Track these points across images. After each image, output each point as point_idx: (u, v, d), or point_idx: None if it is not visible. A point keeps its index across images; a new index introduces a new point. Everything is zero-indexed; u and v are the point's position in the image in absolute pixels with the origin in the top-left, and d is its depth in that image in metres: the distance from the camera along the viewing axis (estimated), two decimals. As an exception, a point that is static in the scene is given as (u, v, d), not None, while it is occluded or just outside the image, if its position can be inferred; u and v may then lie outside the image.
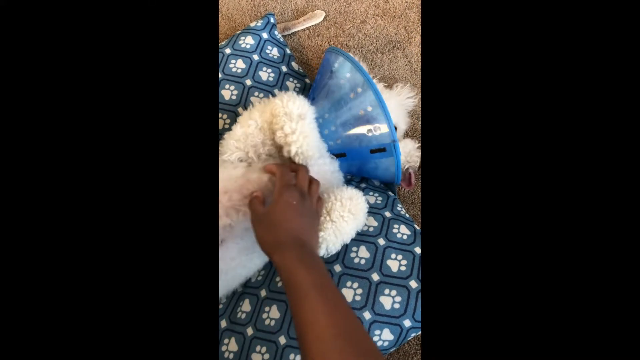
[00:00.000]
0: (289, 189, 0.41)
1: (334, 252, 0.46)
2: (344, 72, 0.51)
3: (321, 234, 0.44)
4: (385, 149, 0.49)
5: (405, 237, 0.49)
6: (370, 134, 0.49)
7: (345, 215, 0.45)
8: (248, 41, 0.65)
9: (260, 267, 0.51)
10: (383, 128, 0.48)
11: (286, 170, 0.44)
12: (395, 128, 0.50)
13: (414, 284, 0.45)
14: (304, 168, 0.46)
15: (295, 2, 0.82)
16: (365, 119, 0.49)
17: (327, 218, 0.45)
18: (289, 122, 0.44)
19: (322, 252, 0.45)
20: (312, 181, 0.45)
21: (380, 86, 0.62)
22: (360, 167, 0.53)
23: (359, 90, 0.49)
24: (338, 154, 0.52)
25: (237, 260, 0.47)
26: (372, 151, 0.50)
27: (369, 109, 0.49)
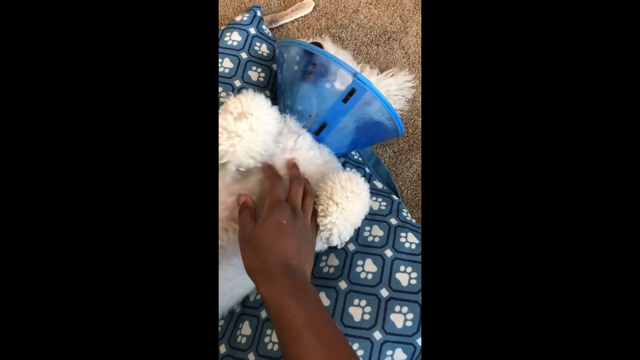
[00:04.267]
0: (279, 205, 0.37)
1: (347, 238, 0.43)
2: (279, 54, 0.48)
3: (328, 219, 0.40)
4: (354, 88, 0.44)
5: (413, 246, 0.47)
6: (330, 86, 0.45)
7: (349, 196, 0.41)
8: (235, 38, 0.60)
9: None
10: (338, 72, 0.44)
11: (277, 182, 0.40)
12: None
13: (425, 298, 0.42)
14: (299, 179, 0.41)
15: (282, -8, 0.76)
16: (319, 77, 0.45)
17: (331, 202, 0.41)
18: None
19: (335, 240, 0.41)
20: (306, 194, 0.41)
21: (367, 69, 0.57)
22: (357, 135, 0.49)
23: (297, 58, 0.46)
24: (319, 128, 0.48)
25: (235, 281, 0.44)
26: (345, 100, 0.45)
27: (313, 66, 0.45)
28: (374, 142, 0.57)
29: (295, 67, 0.46)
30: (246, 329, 0.45)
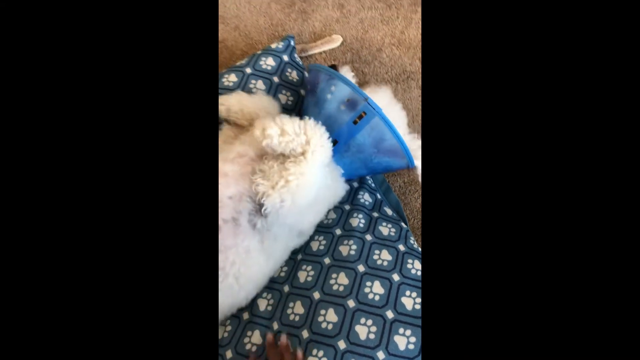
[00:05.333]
0: None
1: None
2: (309, 78, 0.54)
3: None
4: (365, 112, 0.48)
5: (419, 273, 0.49)
6: (344, 108, 0.50)
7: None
8: (269, 62, 0.65)
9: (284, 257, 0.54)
10: (353, 96, 0.49)
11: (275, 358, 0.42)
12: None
13: (428, 324, 0.44)
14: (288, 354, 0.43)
15: (313, 25, 0.82)
16: (337, 101, 0.50)
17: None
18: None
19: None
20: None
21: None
22: (365, 160, 0.53)
23: (319, 81, 0.52)
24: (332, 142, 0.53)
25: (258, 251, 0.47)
26: (355, 122, 0.50)
27: (332, 88, 0.50)
28: (387, 171, 0.60)
29: (317, 90, 0.52)
30: (256, 338, 0.47)
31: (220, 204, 0.45)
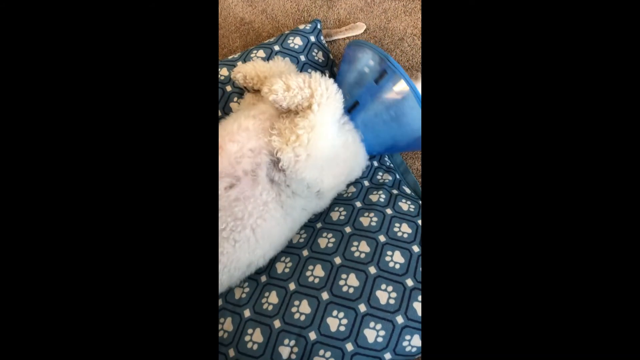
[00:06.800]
0: None
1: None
2: (348, 52, 0.56)
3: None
4: (386, 70, 0.50)
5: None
6: (368, 70, 0.52)
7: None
8: (297, 42, 0.67)
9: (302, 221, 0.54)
10: (375, 58, 0.51)
11: None
12: None
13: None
14: None
15: (338, 12, 0.84)
16: (362, 66, 0.52)
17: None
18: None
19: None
20: None
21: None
22: (389, 135, 0.54)
23: (354, 53, 0.54)
24: (352, 106, 0.54)
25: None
26: (377, 81, 0.51)
27: (360, 55, 0.52)
28: (407, 149, 0.61)
29: (350, 59, 0.53)
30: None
31: (241, 156, 0.46)
